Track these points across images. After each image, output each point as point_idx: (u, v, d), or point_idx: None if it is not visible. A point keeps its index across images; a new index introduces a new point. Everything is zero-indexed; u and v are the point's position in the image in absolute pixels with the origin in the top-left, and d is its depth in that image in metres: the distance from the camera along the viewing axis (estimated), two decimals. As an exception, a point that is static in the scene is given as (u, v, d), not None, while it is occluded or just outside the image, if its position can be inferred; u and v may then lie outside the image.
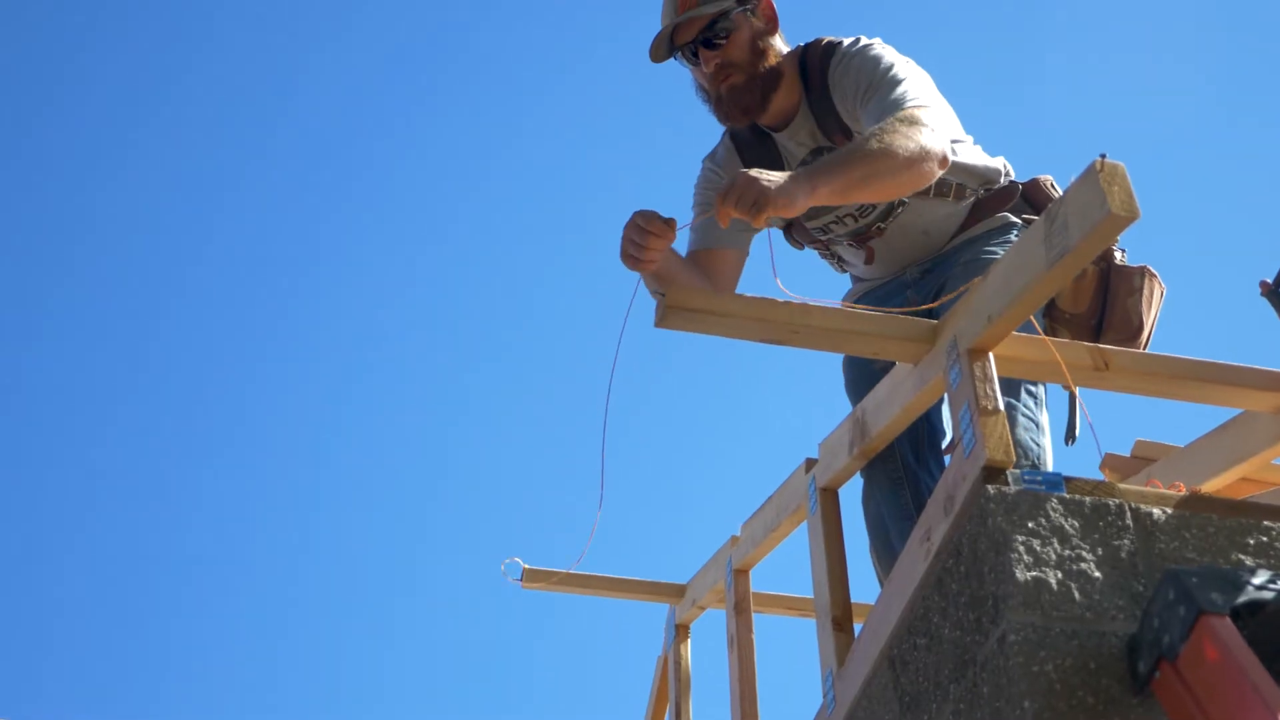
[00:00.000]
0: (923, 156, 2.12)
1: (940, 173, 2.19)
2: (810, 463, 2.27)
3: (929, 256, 2.55)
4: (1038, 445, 2.20)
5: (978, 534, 1.59)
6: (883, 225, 2.51)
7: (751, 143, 2.54)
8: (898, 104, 2.24)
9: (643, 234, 2.07)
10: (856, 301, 2.61)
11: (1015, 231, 2.50)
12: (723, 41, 2.43)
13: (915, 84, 2.31)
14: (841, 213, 2.52)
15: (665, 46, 2.47)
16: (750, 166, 2.50)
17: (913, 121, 2.15)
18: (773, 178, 1.96)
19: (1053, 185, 2.58)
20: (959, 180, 2.49)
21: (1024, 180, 2.60)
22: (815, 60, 2.46)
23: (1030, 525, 1.55)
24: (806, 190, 1.99)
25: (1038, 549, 1.53)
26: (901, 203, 2.47)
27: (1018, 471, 1.61)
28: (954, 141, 2.44)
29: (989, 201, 2.53)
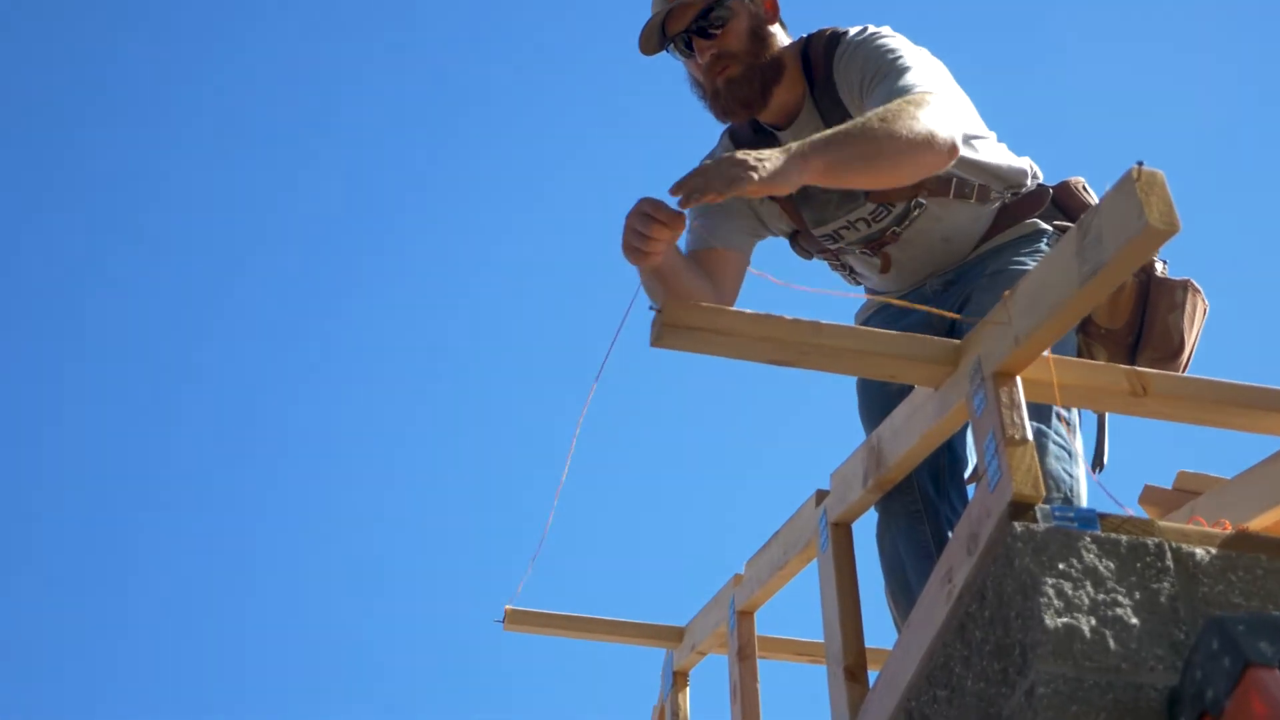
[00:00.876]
0: (927, 142, 2.11)
1: (949, 164, 2.20)
2: (821, 495, 2.28)
3: (951, 266, 2.54)
4: (1070, 476, 2.20)
5: (1003, 576, 1.59)
6: (898, 230, 2.50)
7: (753, 142, 2.54)
8: (905, 90, 2.24)
9: (648, 223, 2.07)
10: (871, 317, 2.62)
11: (1046, 240, 2.50)
12: (718, 30, 2.44)
13: (926, 71, 2.31)
14: (853, 217, 2.51)
15: (656, 37, 2.47)
16: None
17: (920, 104, 2.15)
18: (766, 153, 1.97)
19: (1085, 188, 2.59)
20: (981, 181, 2.49)
21: (1053, 184, 2.60)
22: (819, 52, 2.47)
23: (1061, 566, 1.55)
24: (799, 165, 1.98)
25: (1069, 593, 1.53)
26: (919, 204, 2.47)
27: (1047, 507, 1.62)
28: (974, 138, 2.46)
29: (1016, 206, 2.53)
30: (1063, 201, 2.58)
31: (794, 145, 2.03)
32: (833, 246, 2.61)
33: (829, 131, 2.10)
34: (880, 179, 2.17)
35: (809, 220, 2.56)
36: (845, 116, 2.41)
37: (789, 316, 1.85)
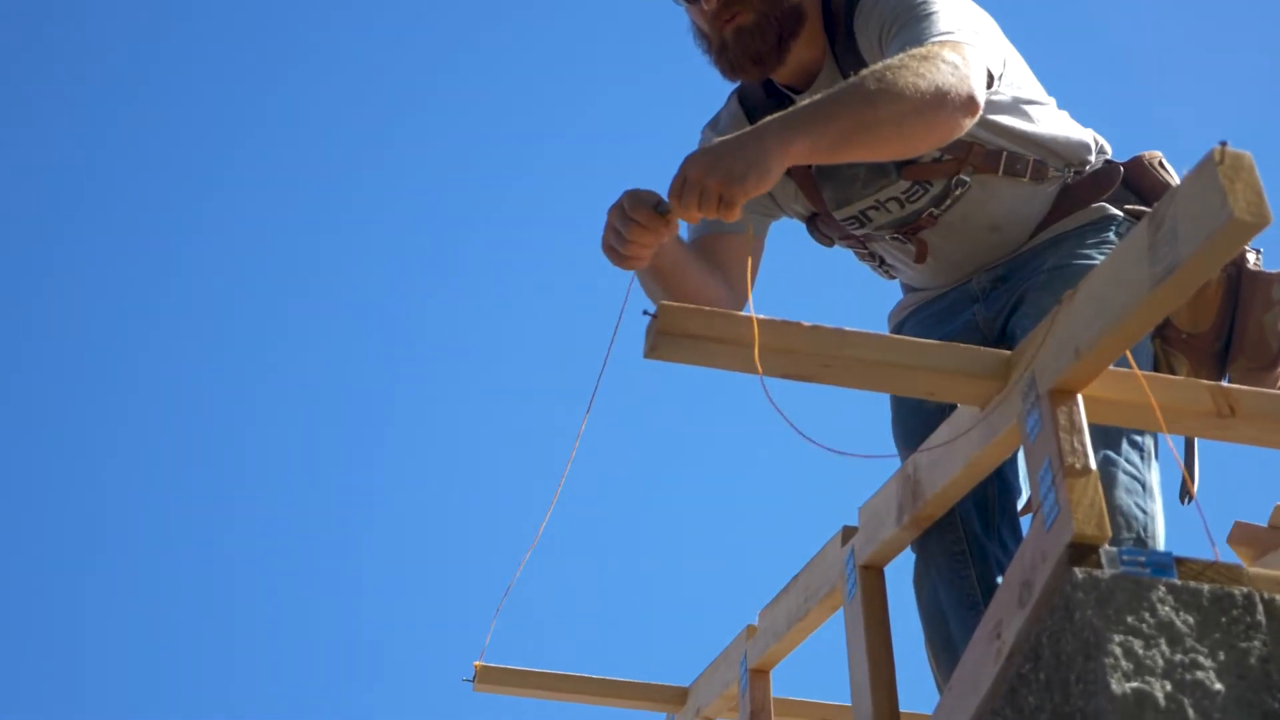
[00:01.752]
0: (938, 98, 2.03)
1: (968, 122, 2.12)
2: (848, 532, 2.26)
3: (1002, 259, 2.50)
4: (1143, 512, 2.17)
5: (1062, 631, 1.57)
6: (936, 212, 2.45)
7: (765, 106, 2.49)
8: (918, 40, 2.18)
9: (627, 223, 2.03)
10: (906, 318, 2.61)
11: (1116, 228, 2.45)
12: None
13: (952, 16, 2.25)
14: (883, 196, 2.46)
15: None
16: None
17: (927, 57, 2.08)
18: (730, 149, 1.91)
19: (1162, 164, 2.53)
20: (1037, 156, 2.44)
21: (1123, 160, 2.54)
22: (839, 2, 2.43)
23: (1130, 620, 1.52)
24: (778, 151, 1.93)
25: (1140, 652, 1.50)
26: (961, 182, 2.41)
27: (1114, 550, 1.59)
28: (1027, 103, 2.40)
29: (1080, 188, 2.48)
30: (1135, 181, 2.52)
31: (770, 121, 1.97)
32: (858, 232, 2.55)
33: (814, 99, 2.03)
34: (885, 149, 2.11)
35: (830, 200, 2.50)
36: None
37: (808, 323, 1.83)
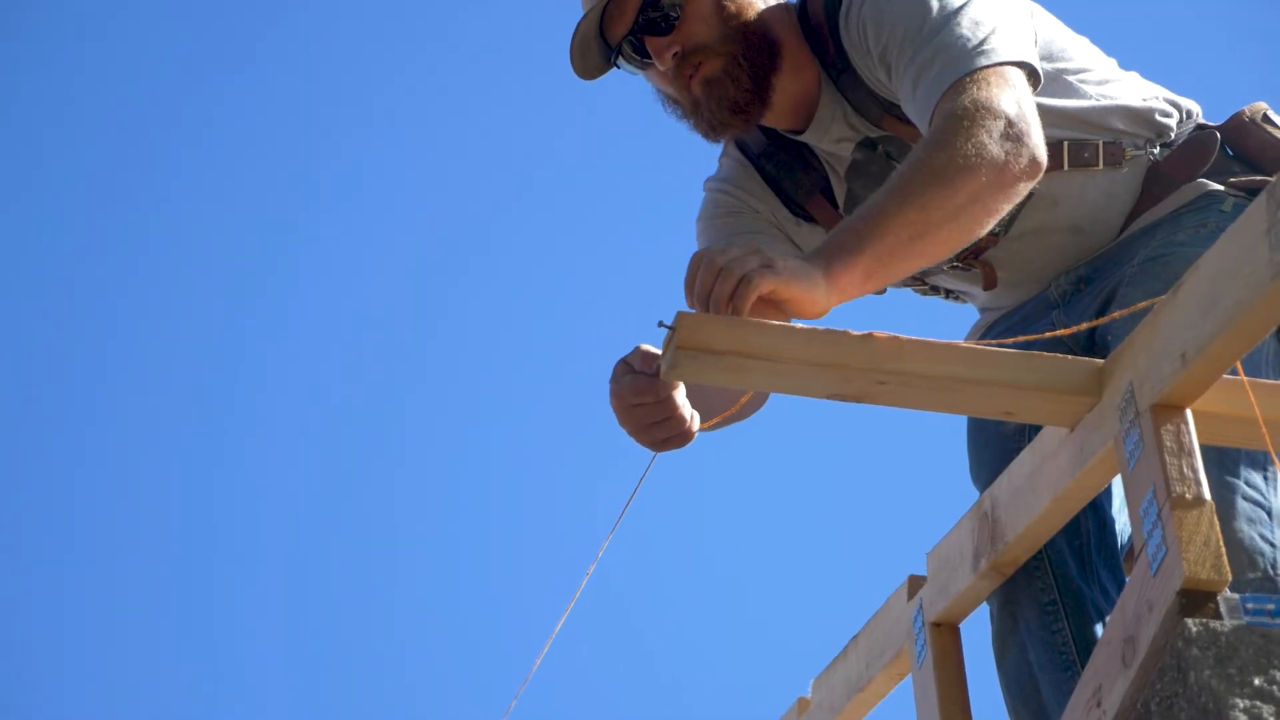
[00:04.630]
0: (995, 179, 2.06)
1: (1035, 180, 2.14)
2: (915, 583, 2.26)
3: (1086, 258, 2.49)
4: (1271, 545, 2.15)
5: (1174, 697, 1.56)
6: (997, 233, 2.46)
7: (771, 150, 2.53)
8: (943, 78, 2.17)
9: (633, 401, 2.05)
10: (982, 337, 2.59)
11: (1220, 206, 2.42)
12: (676, 15, 2.39)
13: (965, 18, 2.23)
14: None
15: (596, 48, 2.43)
16: (780, 178, 2.49)
17: (972, 117, 2.08)
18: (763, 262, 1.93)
19: (1267, 118, 2.49)
20: (1106, 138, 2.41)
21: (1217, 123, 2.51)
22: (819, 14, 2.42)
23: (1257, 683, 1.51)
24: (826, 285, 1.95)
25: (1269, 719, 1.50)
26: (1028, 194, 2.39)
27: (1234, 596, 1.58)
28: (1076, 73, 2.39)
29: (1171, 165, 2.46)
30: (1238, 143, 2.49)
31: (809, 257, 1.98)
32: (915, 282, 2.62)
33: (852, 217, 2.04)
34: (946, 249, 2.12)
35: None
36: (876, 102, 2.39)
37: (856, 331, 1.82)
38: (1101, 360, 1.88)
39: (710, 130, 2.46)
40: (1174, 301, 1.74)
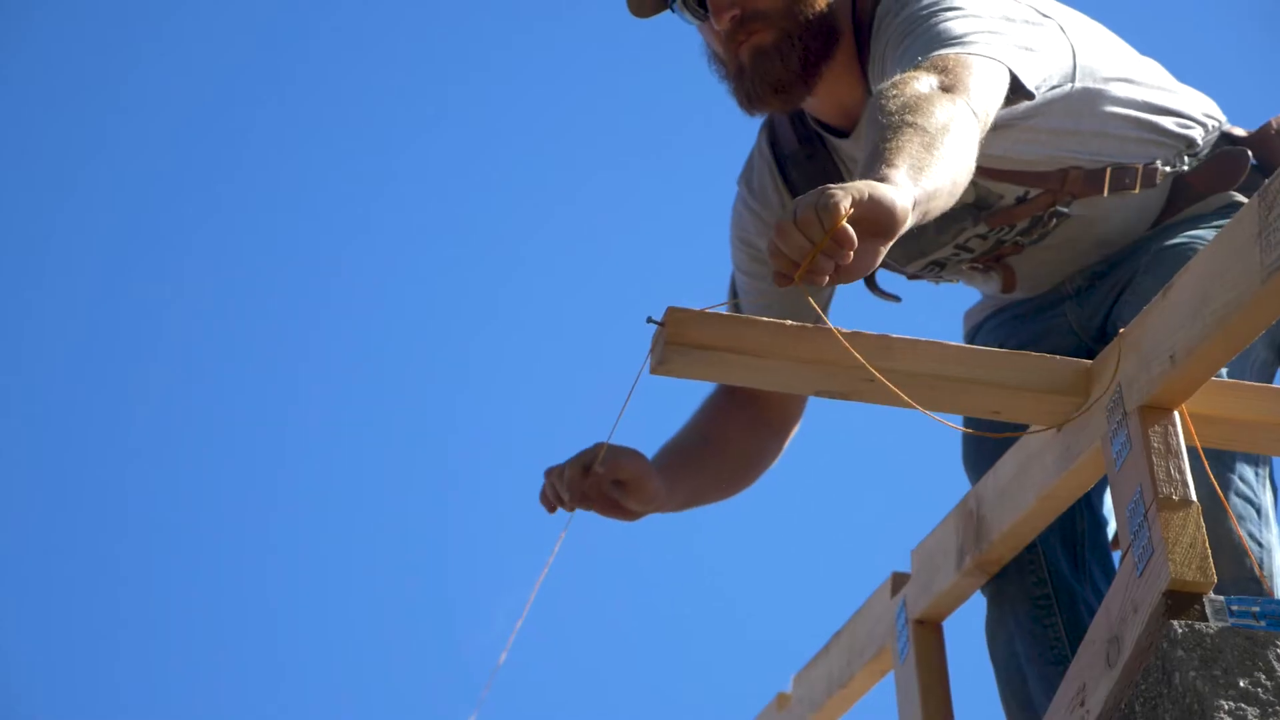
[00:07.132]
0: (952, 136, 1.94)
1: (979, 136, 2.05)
2: (898, 580, 2.26)
3: (1103, 260, 2.46)
4: (1259, 545, 2.13)
5: (1158, 697, 1.56)
6: (1023, 241, 2.43)
7: (800, 158, 2.49)
8: (917, 49, 2.14)
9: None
10: (985, 319, 2.58)
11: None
12: None
13: (966, 13, 2.21)
14: (963, 239, 2.43)
15: None
16: (802, 187, 2.44)
17: (933, 98, 1.96)
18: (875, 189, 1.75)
19: None
20: (1144, 159, 2.36)
21: (1239, 131, 2.46)
22: (865, 13, 2.38)
23: (1243, 685, 1.52)
24: (906, 185, 1.79)
25: None
26: (1058, 214, 2.37)
27: (1220, 598, 1.59)
28: (1114, 79, 2.34)
29: (1200, 176, 2.41)
30: (1267, 157, 2.44)
31: (896, 174, 1.81)
32: (931, 276, 2.57)
33: (883, 147, 1.88)
34: (954, 196, 2.02)
35: (900, 258, 2.47)
36: None
37: (845, 329, 1.81)
38: (1089, 361, 1.88)
39: (747, 101, 2.41)
40: (1164, 302, 1.75)
